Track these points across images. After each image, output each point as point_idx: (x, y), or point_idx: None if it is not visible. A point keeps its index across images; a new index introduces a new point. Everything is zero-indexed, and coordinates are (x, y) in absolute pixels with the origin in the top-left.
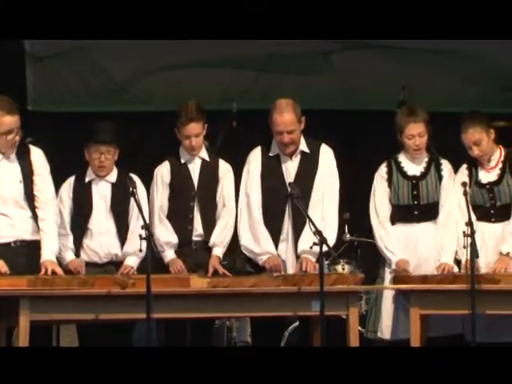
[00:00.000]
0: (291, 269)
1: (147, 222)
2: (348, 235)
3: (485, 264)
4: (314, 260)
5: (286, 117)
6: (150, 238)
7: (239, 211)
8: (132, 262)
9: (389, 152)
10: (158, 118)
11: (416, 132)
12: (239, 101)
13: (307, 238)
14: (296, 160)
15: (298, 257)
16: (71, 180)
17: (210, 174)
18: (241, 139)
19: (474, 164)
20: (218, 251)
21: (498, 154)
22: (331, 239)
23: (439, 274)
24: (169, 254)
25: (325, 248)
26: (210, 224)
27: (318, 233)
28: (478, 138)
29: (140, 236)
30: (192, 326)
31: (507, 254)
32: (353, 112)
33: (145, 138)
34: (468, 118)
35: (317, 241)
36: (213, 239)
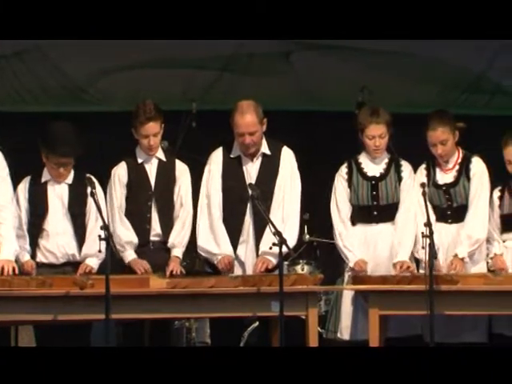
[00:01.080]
0: (251, 270)
1: (106, 222)
2: (307, 236)
3: (443, 264)
4: (273, 261)
5: (247, 118)
6: (109, 238)
7: (199, 211)
8: (92, 263)
9: (348, 153)
10: (116, 118)
11: (377, 133)
12: (199, 101)
13: (268, 239)
14: (257, 162)
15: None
16: (27, 180)
17: (166, 174)
18: (201, 140)
19: (433, 165)
20: (178, 252)
21: (456, 156)
22: (292, 240)
23: (396, 273)
24: (130, 254)
25: (284, 249)
26: (167, 224)
27: (277, 234)
28: (446, 138)
29: (99, 237)
30: (150, 327)
31: (462, 259)
32: (312, 113)
33: (101, 138)
34: (438, 117)
35: (276, 242)
36: (172, 240)
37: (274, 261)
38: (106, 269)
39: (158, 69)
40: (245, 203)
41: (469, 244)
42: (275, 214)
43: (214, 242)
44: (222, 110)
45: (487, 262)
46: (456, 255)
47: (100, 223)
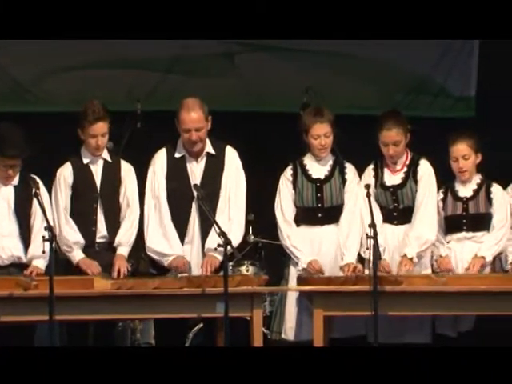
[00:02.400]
0: (196, 270)
1: (50, 223)
2: (252, 237)
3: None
4: (220, 259)
5: (193, 114)
6: (53, 239)
7: (146, 213)
8: (40, 264)
9: (293, 154)
10: (61, 118)
11: (322, 132)
12: (144, 102)
13: (214, 239)
14: (202, 162)
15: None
16: None
17: (112, 175)
18: (146, 140)
19: (380, 166)
20: (123, 250)
21: (404, 158)
22: (238, 240)
23: (343, 275)
24: (78, 254)
25: (229, 249)
26: (113, 225)
27: (222, 234)
28: (399, 139)
29: (43, 237)
30: (95, 328)
31: (411, 259)
32: (257, 114)
33: (46, 138)
34: (393, 117)
35: (221, 242)
36: (118, 239)
37: (221, 259)
38: (50, 270)
39: (102, 69)
40: (190, 203)
41: (418, 244)
42: (222, 214)
43: (166, 242)
44: (166, 110)
45: (432, 264)
46: (405, 255)
47: (45, 224)
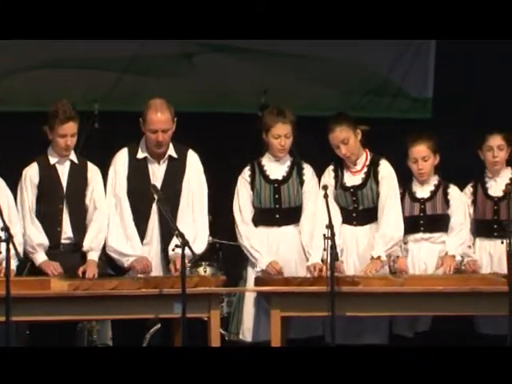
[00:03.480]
0: (155, 271)
1: (6, 223)
2: (210, 237)
3: (346, 266)
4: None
5: (161, 116)
6: (9, 239)
7: (107, 213)
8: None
9: (251, 154)
10: (21, 118)
11: (283, 132)
12: (102, 102)
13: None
14: (164, 164)
15: (166, 259)
16: None
17: (79, 176)
18: (103, 140)
19: (340, 167)
20: (95, 255)
21: (364, 158)
22: (203, 241)
23: (311, 275)
24: (41, 256)
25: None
26: (79, 226)
27: (180, 235)
28: (346, 137)
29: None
30: (55, 328)
31: (378, 258)
32: (216, 114)
33: (8, 138)
34: (334, 118)
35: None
36: (88, 243)
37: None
38: (7, 270)
39: (60, 69)
40: (150, 205)
41: (384, 243)
42: (184, 216)
43: (127, 243)
44: (124, 110)
45: (389, 265)
46: (372, 256)
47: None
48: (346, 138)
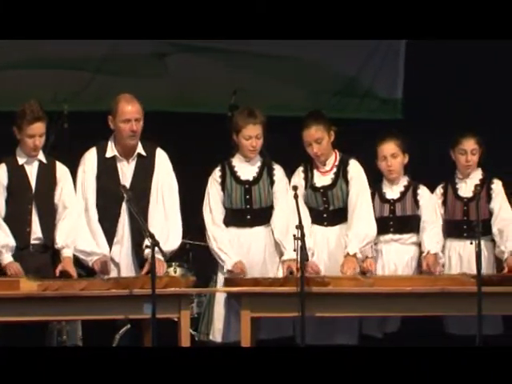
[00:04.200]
0: (125, 271)
1: None
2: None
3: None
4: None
5: (133, 106)
6: None
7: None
8: None
9: (221, 155)
10: None
11: (254, 133)
12: (71, 102)
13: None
14: (132, 162)
15: (137, 258)
16: None
17: (47, 176)
18: (72, 141)
19: (310, 167)
20: (69, 252)
21: (334, 158)
22: (177, 237)
23: (285, 272)
24: (6, 258)
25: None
26: (48, 227)
27: (150, 236)
28: (320, 137)
29: None
30: (24, 328)
31: (354, 255)
32: (186, 115)
33: None
34: (312, 116)
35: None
36: (62, 241)
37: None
38: None
39: (29, 69)
40: (120, 203)
41: (358, 240)
42: (155, 214)
43: (92, 241)
44: (94, 111)
45: (360, 265)
46: (347, 254)
47: None
48: (320, 138)
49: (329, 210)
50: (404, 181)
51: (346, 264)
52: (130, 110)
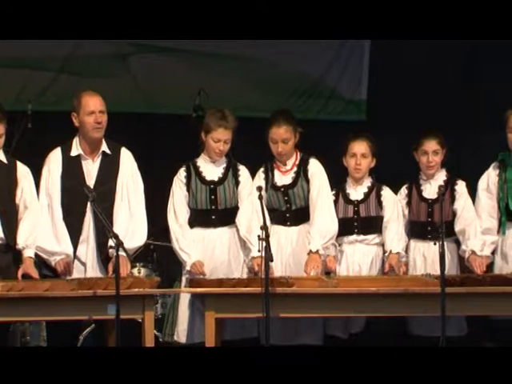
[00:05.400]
0: (91, 271)
1: None
2: None
3: (281, 267)
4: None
5: (97, 99)
6: None
7: (39, 212)
8: None
9: (187, 156)
10: None
11: (223, 137)
12: (35, 102)
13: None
14: (97, 161)
15: (102, 258)
16: None
17: (8, 176)
18: (36, 140)
19: (271, 167)
20: (31, 253)
21: (294, 158)
22: (142, 235)
23: (257, 268)
24: None
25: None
26: (10, 227)
27: (114, 236)
28: (288, 137)
29: None
30: None
31: (316, 252)
32: (150, 115)
33: None
34: (284, 115)
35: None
36: (23, 241)
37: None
38: None
39: None
40: (85, 202)
41: (320, 237)
42: (120, 212)
43: (55, 241)
44: (57, 110)
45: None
46: (310, 251)
47: None
48: (288, 138)
49: (291, 209)
50: (368, 182)
51: (309, 263)
52: (93, 102)
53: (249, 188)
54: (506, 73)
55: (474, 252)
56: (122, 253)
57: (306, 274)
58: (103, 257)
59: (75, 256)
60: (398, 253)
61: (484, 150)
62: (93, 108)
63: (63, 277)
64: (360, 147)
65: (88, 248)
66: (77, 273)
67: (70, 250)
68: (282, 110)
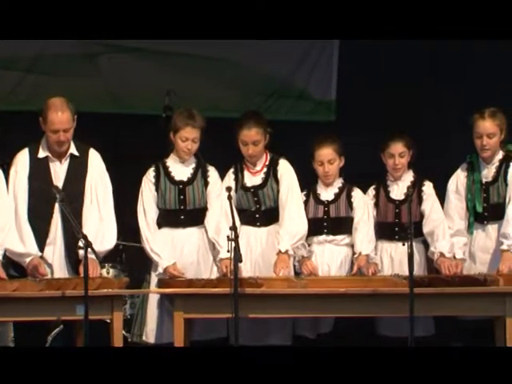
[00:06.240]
0: (58, 271)
1: None
2: None
3: (251, 268)
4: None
5: (62, 115)
6: None
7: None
8: None
9: (156, 156)
10: None
11: (191, 136)
12: (3, 102)
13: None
14: (65, 163)
15: (71, 259)
16: None
17: None
18: (4, 141)
19: (240, 168)
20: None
21: (264, 159)
22: (113, 238)
23: (221, 271)
24: None
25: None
26: None
27: (83, 237)
28: (259, 139)
29: None
30: None
31: (286, 252)
32: (119, 115)
33: None
34: (254, 117)
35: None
36: None
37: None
38: None
39: None
40: (52, 204)
41: (290, 238)
42: (90, 214)
43: (21, 242)
44: (26, 110)
45: (294, 265)
46: (279, 251)
47: None
48: (257, 140)
49: (261, 210)
50: (338, 183)
51: (278, 263)
52: (57, 120)
53: (218, 189)
54: (474, 73)
55: (442, 254)
56: (91, 255)
57: (275, 274)
58: (72, 259)
59: (42, 257)
60: (367, 255)
61: (452, 151)
62: (57, 127)
63: (31, 278)
64: (326, 154)
65: (55, 249)
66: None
67: (35, 251)
68: (252, 111)
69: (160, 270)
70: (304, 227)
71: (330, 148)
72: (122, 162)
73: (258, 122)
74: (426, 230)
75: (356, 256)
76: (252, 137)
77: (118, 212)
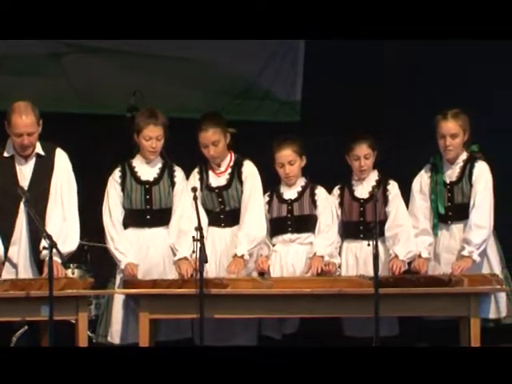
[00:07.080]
0: (23, 272)
1: None
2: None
3: (216, 268)
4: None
5: (26, 119)
6: None
7: None
8: None
9: (121, 156)
10: None
11: (154, 135)
12: None
13: None
14: (31, 162)
15: (35, 259)
16: None
17: None
18: None
19: (205, 168)
20: None
21: (228, 159)
22: (75, 239)
23: (179, 272)
24: None
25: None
26: None
27: (47, 237)
28: (217, 139)
29: None
30: None
31: (241, 256)
32: (85, 115)
33: None
34: (209, 118)
35: (47, 245)
36: None
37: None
38: None
39: None
40: (17, 203)
41: (247, 242)
42: (54, 214)
43: None
44: None
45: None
46: (235, 255)
47: None
48: (216, 141)
49: (225, 210)
50: (301, 181)
51: (232, 264)
52: (21, 123)
53: (184, 189)
54: (441, 74)
55: (397, 256)
56: (55, 256)
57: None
58: (37, 259)
59: (6, 257)
60: (321, 256)
61: (416, 152)
62: (21, 130)
63: None
64: (285, 156)
65: (20, 249)
66: (8, 274)
67: (1, 251)
68: (209, 112)
69: (122, 266)
70: (262, 231)
71: (289, 149)
72: (88, 161)
73: (215, 122)
74: (388, 233)
75: (311, 256)
76: (209, 138)
77: (83, 212)
